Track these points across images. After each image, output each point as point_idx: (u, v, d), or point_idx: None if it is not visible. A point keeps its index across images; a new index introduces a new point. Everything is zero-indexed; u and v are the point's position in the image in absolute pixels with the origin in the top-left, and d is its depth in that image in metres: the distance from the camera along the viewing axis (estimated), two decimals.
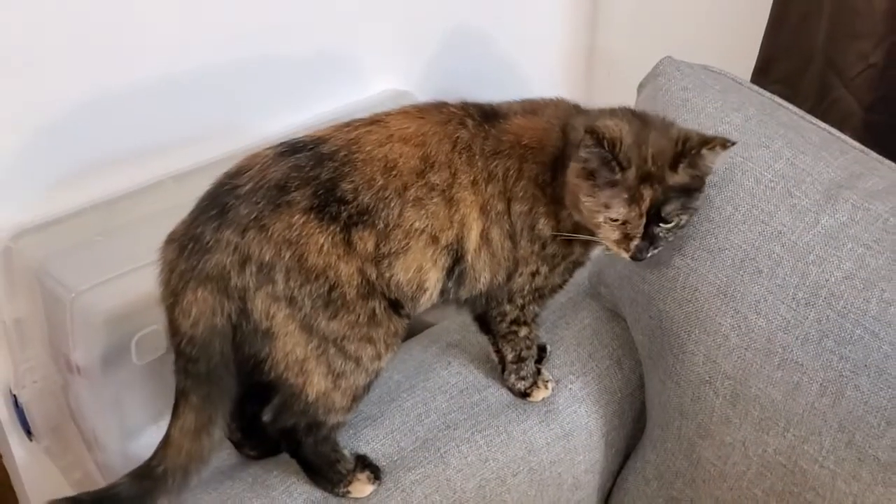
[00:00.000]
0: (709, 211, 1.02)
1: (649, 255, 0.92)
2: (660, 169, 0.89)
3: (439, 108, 0.97)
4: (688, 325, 1.02)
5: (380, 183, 0.89)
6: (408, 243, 0.91)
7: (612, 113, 0.95)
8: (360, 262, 0.89)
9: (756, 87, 1.14)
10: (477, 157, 0.94)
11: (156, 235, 1.09)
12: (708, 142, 0.90)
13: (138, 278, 1.00)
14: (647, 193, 0.88)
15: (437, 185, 0.92)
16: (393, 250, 0.90)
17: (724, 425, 0.99)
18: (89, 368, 1.01)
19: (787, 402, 0.94)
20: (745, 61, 1.41)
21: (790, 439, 0.94)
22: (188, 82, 1.24)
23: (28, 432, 1.20)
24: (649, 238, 0.91)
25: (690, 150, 0.89)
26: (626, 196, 0.88)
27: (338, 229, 0.87)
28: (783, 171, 1.00)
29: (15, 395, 1.17)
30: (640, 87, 1.18)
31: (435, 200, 0.92)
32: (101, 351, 1.00)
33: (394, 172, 0.90)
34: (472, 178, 0.94)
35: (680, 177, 0.89)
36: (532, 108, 1.00)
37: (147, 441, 1.10)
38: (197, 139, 1.26)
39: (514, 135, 0.96)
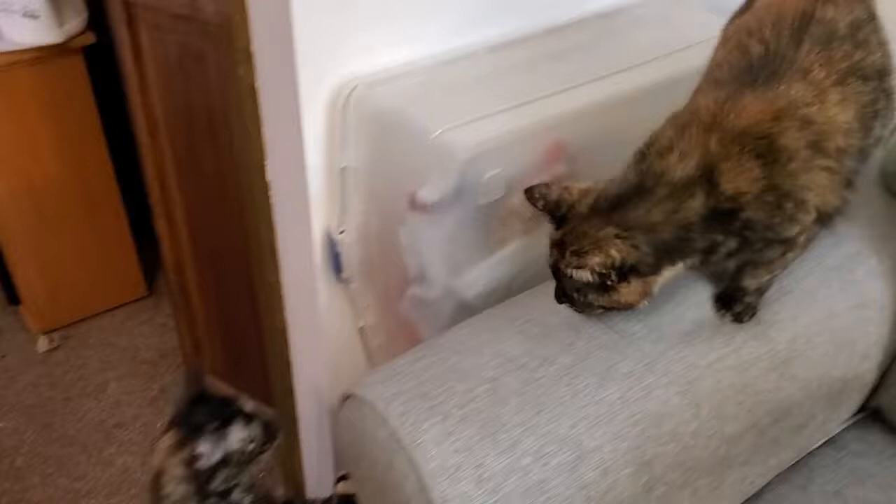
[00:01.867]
0: None
1: None
2: None
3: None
4: None
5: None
6: None
7: None
8: None
9: None
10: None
11: (514, 83, 1.17)
12: None
13: (493, 122, 1.09)
14: None
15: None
16: None
17: None
18: (436, 205, 1.10)
19: None
20: None
21: None
22: None
23: (338, 274, 1.32)
24: None
25: None
26: None
27: None
28: None
29: (333, 240, 1.28)
30: None
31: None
32: (451, 189, 1.08)
33: None
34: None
35: None
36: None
37: (468, 279, 1.20)
38: None
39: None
